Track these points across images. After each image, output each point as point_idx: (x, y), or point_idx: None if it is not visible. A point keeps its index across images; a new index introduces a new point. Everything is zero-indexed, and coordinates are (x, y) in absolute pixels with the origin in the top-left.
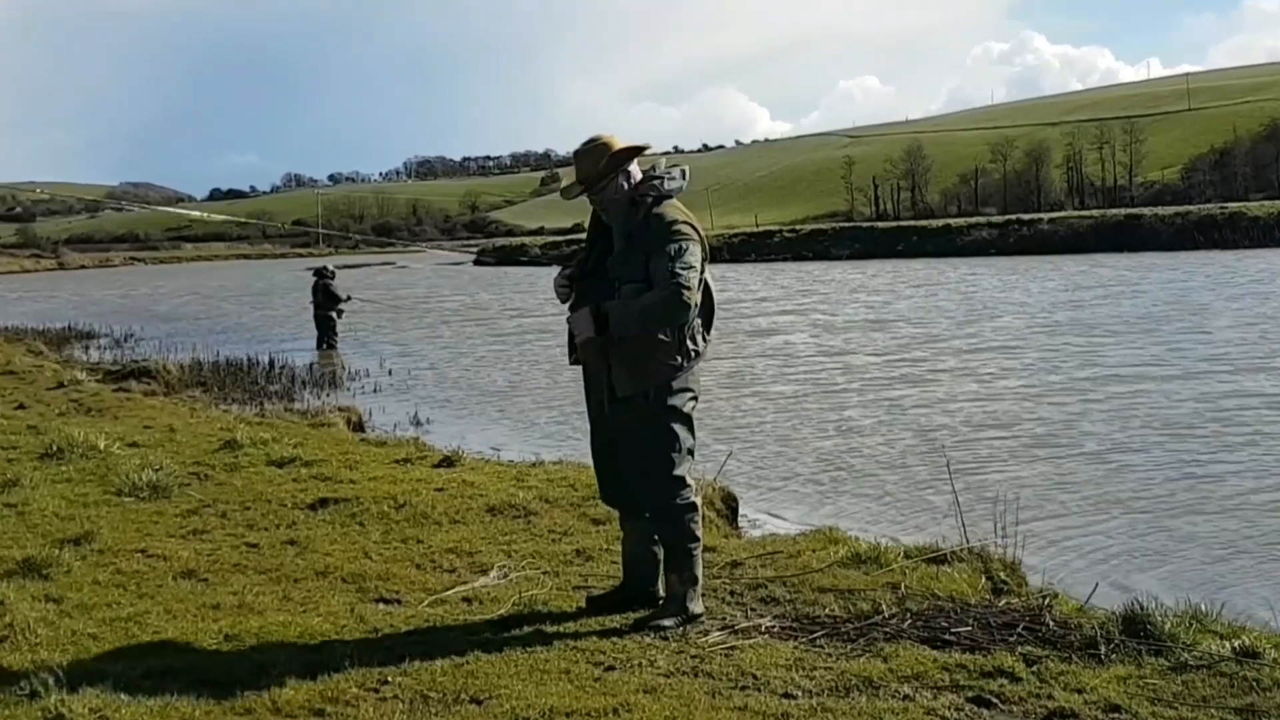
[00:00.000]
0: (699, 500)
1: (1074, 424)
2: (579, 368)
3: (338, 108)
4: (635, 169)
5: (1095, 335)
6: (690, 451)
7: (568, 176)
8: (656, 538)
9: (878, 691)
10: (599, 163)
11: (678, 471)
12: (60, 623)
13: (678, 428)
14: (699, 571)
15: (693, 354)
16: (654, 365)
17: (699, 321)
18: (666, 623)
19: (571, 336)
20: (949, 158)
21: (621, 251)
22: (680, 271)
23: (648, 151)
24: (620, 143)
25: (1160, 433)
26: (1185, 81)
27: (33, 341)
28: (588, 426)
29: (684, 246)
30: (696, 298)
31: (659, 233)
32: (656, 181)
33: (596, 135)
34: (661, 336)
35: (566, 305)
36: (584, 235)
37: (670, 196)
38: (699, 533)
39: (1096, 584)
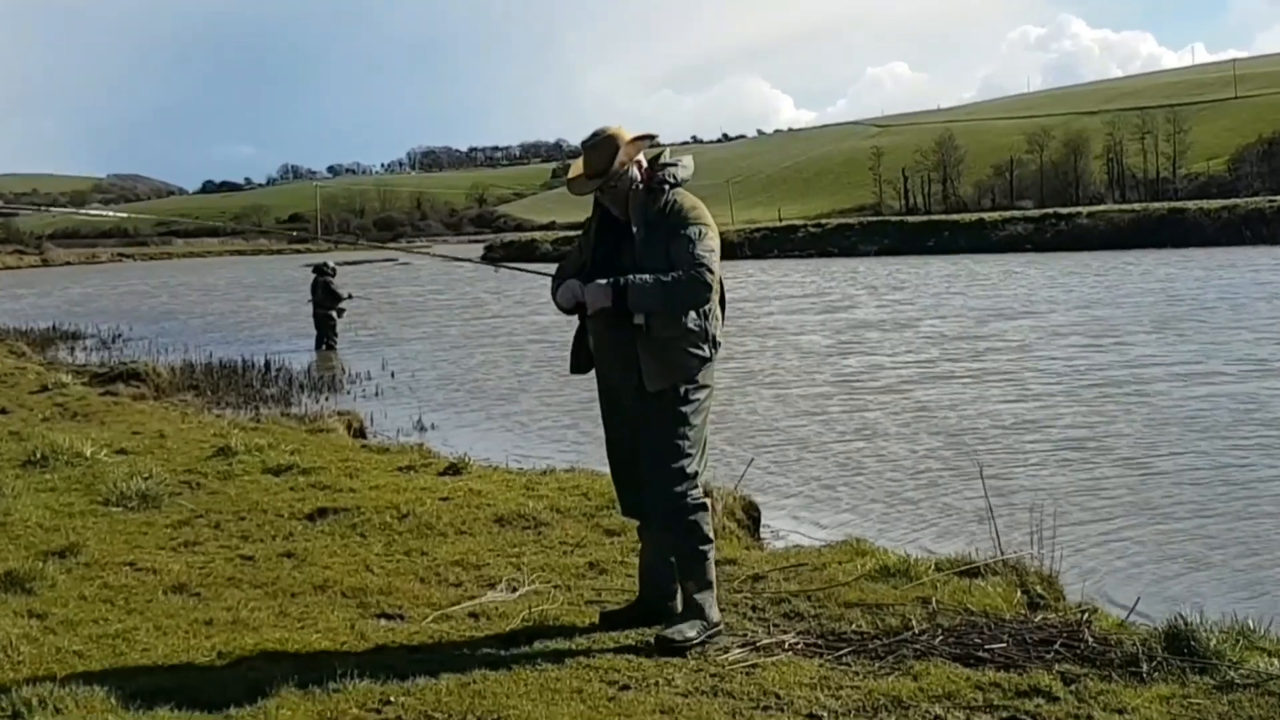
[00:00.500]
0: (708, 501)
1: (1108, 427)
2: (592, 369)
3: (337, 96)
4: (643, 158)
5: (1131, 335)
6: (704, 448)
7: (574, 170)
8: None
9: (907, 712)
10: (612, 154)
11: (692, 468)
12: (44, 640)
13: (696, 421)
14: (713, 576)
15: (718, 343)
16: (684, 357)
17: (719, 311)
18: (690, 633)
19: (576, 345)
20: (982, 148)
21: (643, 240)
22: (702, 254)
23: (655, 141)
24: (628, 133)
25: (1199, 436)
26: (1232, 68)
27: (15, 342)
28: (601, 432)
29: (704, 231)
30: (717, 284)
31: (678, 218)
32: (671, 168)
33: (603, 127)
34: (691, 326)
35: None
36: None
37: (681, 184)
38: (710, 534)
39: (1138, 598)
